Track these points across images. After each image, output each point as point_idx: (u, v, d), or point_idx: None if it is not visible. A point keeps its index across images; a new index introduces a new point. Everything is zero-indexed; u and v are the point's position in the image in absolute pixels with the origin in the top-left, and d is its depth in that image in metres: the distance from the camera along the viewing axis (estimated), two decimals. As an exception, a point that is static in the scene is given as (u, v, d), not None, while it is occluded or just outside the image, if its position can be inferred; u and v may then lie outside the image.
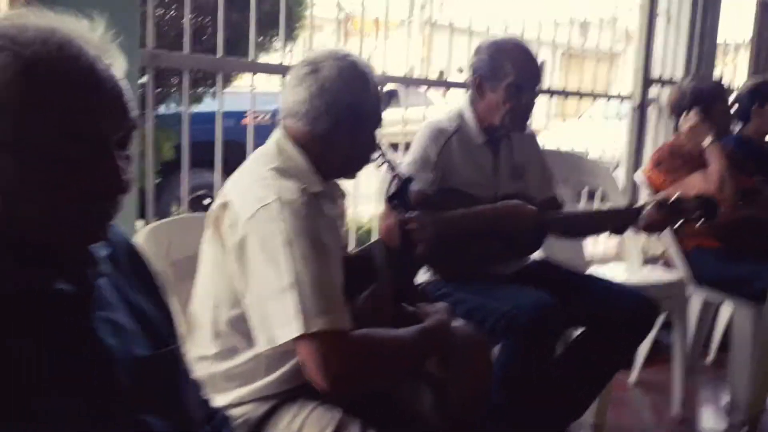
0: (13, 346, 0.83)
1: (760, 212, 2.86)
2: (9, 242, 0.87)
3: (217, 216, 1.40)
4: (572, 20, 3.54)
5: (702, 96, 2.91)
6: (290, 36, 4.18)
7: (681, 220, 2.15)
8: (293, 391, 1.41)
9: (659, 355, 3.29)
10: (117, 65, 0.91)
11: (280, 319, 1.27)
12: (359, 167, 1.59)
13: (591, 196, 3.67)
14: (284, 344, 1.28)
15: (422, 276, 2.27)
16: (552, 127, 3.79)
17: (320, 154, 1.47)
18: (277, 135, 1.50)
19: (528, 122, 2.35)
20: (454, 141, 2.22)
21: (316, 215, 1.37)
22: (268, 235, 1.31)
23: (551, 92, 3.43)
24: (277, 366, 1.41)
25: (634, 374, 3.15)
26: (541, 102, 3.32)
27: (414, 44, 2.87)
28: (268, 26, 4.14)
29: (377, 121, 1.54)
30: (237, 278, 1.35)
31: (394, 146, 2.66)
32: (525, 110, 2.25)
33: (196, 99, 4.26)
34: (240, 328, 1.40)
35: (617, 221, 2.18)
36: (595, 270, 2.86)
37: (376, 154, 1.81)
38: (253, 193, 1.37)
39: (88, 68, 0.86)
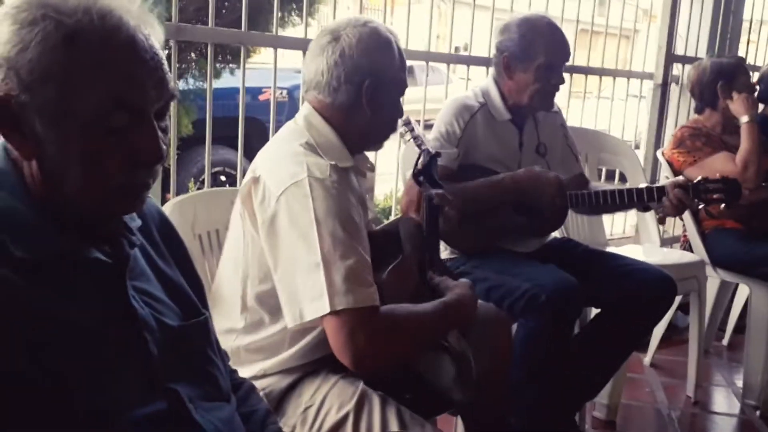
0: (50, 310, 0.84)
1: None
2: (50, 208, 0.88)
3: (248, 191, 1.41)
4: None
5: (723, 71, 2.89)
6: (310, 11, 4.16)
7: (703, 203, 2.13)
8: (316, 363, 1.44)
9: (674, 336, 3.30)
10: (155, 35, 0.91)
11: (309, 295, 1.28)
12: (385, 136, 1.58)
13: (611, 175, 3.65)
14: (311, 320, 1.29)
15: (443, 253, 2.27)
16: (571, 105, 3.76)
17: (345, 125, 1.47)
18: (306, 109, 1.50)
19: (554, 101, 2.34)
20: (478, 117, 2.22)
21: (347, 192, 1.37)
22: (299, 212, 1.31)
23: (573, 70, 3.39)
24: (300, 338, 1.43)
25: (649, 355, 3.15)
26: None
27: (433, 20, 2.83)
28: (287, 1, 4.15)
29: (401, 87, 1.53)
30: (267, 254, 1.36)
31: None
32: (553, 90, 2.24)
33: (216, 74, 4.26)
34: (267, 302, 1.41)
35: (640, 200, 2.16)
36: (612, 250, 2.85)
37: (404, 129, 1.82)
38: (285, 169, 1.37)
39: (129, 38, 0.86)
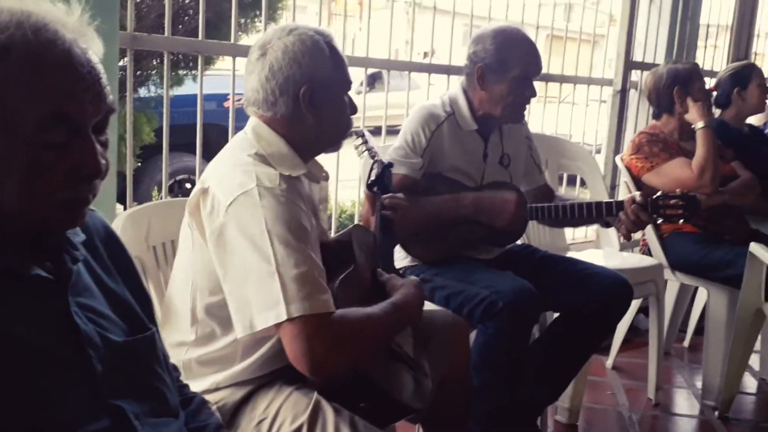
0: None
1: (735, 198, 2.89)
2: None
3: (197, 202, 1.40)
4: (556, 2, 3.52)
5: (679, 77, 2.93)
6: (272, 17, 4.15)
7: (662, 219, 2.13)
8: (270, 376, 1.43)
9: (636, 339, 3.34)
10: (94, 49, 0.90)
11: (261, 305, 1.27)
12: (339, 136, 1.57)
13: (572, 180, 3.70)
14: (262, 330, 1.28)
15: (403, 261, 2.28)
16: (534, 111, 3.79)
17: (293, 134, 1.46)
18: (253, 121, 1.49)
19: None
20: (445, 127, 2.22)
21: (297, 200, 1.37)
22: (249, 222, 1.31)
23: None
24: (253, 351, 1.42)
25: (611, 358, 3.19)
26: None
27: (398, 26, 2.84)
28: (249, 7, 4.13)
29: (342, 85, 1.52)
30: (216, 265, 1.35)
31: (377, 130, 2.65)
32: (526, 102, 2.26)
33: (177, 82, 4.23)
34: (218, 314, 1.40)
35: (599, 215, 2.18)
36: (572, 255, 2.88)
37: (358, 141, 1.82)
38: (233, 179, 1.36)
39: (64, 52, 0.86)
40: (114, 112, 0.93)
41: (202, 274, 1.41)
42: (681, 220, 2.09)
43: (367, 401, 1.43)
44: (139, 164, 4.16)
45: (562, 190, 3.45)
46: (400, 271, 2.24)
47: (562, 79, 3.56)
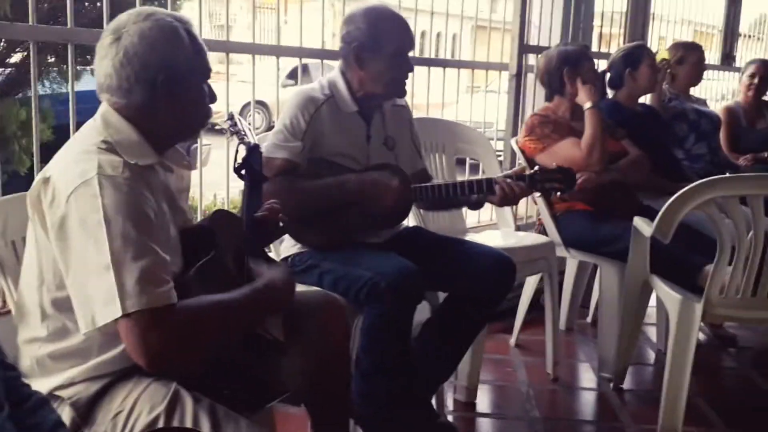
0: None
1: (625, 175, 2.98)
2: None
3: (38, 193, 1.34)
4: None
5: (569, 58, 3.00)
6: (174, 7, 4.07)
7: (540, 191, 2.21)
8: (128, 369, 1.38)
9: (541, 317, 3.41)
10: None
11: (101, 299, 1.23)
12: (197, 125, 1.53)
13: (475, 168, 3.75)
14: (108, 326, 1.25)
15: (292, 248, 2.27)
16: (462, 100, 3.86)
17: (147, 122, 1.42)
18: (103, 107, 1.44)
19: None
20: (324, 110, 2.21)
21: (141, 189, 1.33)
22: (88, 213, 1.26)
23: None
24: (111, 345, 1.37)
25: (514, 336, 3.25)
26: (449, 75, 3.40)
27: (326, 18, 2.85)
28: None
29: (201, 73, 1.48)
30: (58, 258, 1.30)
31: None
32: (405, 77, 2.27)
33: (77, 76, 4.09)
34: (67, 309, 1.34)
35: (476, 191, 2.22)
36: (470, 237, 2.92)
37: (227, 123, 1.79)
38: (75, 167, 1.31)
39: None
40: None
41: (47, 269, 1.35)
42: (558, 192, 2.15)
43: (229, 388, 1.42)
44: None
45: (466, 176, 3.49)
46: (288, 259, 2.25)
47: (458, 64, 3.60)
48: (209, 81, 1.53)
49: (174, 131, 1.49)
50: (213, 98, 1.52)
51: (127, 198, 1.28)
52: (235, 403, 1.40)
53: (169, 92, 1.41)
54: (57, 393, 1.37)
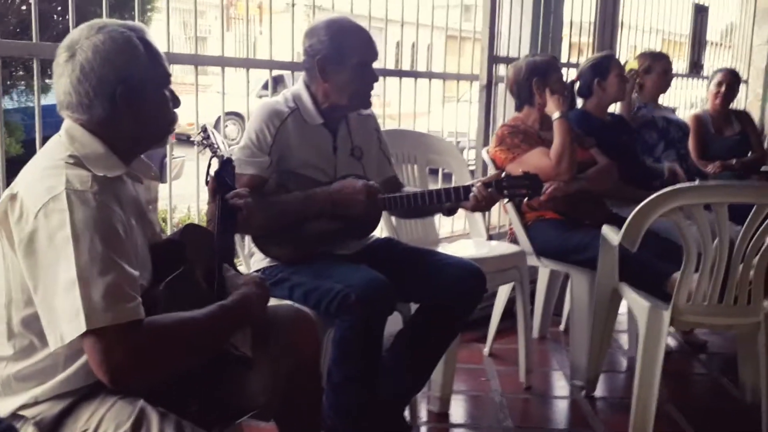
0: None
1: (594, 183, 3.01)
2: None
3: (5, 209, 1.33)
4: (449, 4, 3.62)
5: (537, 68, 3.03)
6: (142, 20, 4.05)
7: (507, 198, 2.23)
8: (93, 387, 1.37)
9: (515, 326, 3.43)
10: None
11: (67, 315, 1.23)
12: (162, 132, 1.53)
13: (448, 176, 3.77)
14: (75, 342, 1.24)
15: (261, 262, 2.26)
16: (437, 110, 3.89)
17: (111, 135, 1.42)
18: (67, 123, 1.44)
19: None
20: (289, 122, 2.21)
21: (111, 202, 1.32)
22: (57, 228, 1.25)
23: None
24: (74, 360, 1.36)
25: (487, 345, 3.27)
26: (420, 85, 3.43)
27: (298, 29, 2.88)
28: (116, 9, 4.00)
29: (161, 81, 1.48)
30: (26, 275, 1.29)
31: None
32: (369, 88, 2.28)
33: (43, 89, 4.06)
34: (35, 326, 1.33)
35: (447, 200, 2.23)
36: (443, 247, 2.93)
37: (199, 137, 1.79)
38: (43, 183, 1.31)
39: None
40: None
41: (15, 286, 1.34)
42: (526, 199, 2.19)
43: (197, 404, 1.41)
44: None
45: (438, 185, 3.51)
46: (259, 272, 2.24)
47: (430, 75, 3.62)
48: (173, 88, 1.52)
49: (139, 140, 1.48)
50: (177, 103, 1.52)
51: (96, 213, 1.27)
52: (203, 419, 1.39)
53: (130, 103, 1.41)
54: (21, 413, 1.36)
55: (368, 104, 2.33)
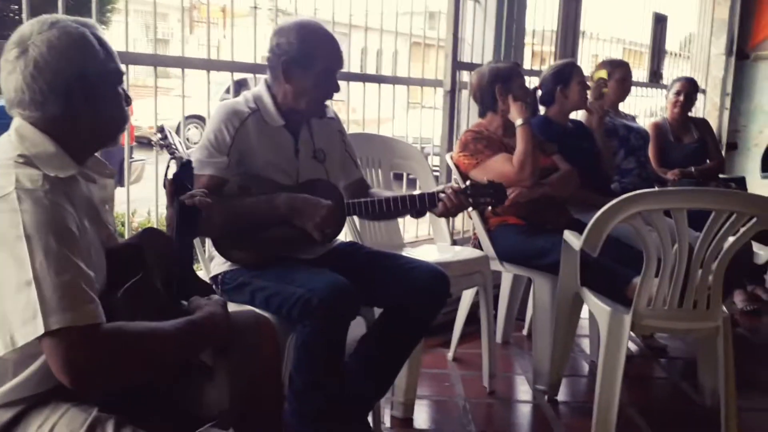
0: None
1: (555, 189, 3.03)
2: None
3: None
4: (413, 11, 3.63)
5: (500, 75, 3.05)
6: (101, 20, 3.99)
7: (472, 206, 2.24)
8: (45, 395, 1.33)
9: (479, 331, 3.43)
10: None
11: (20, 318, 1.18)
12: (115, 130, 1.49)
13: (413, 182, 3.77)
14: (27, 346, 1.20)
15: (222, 266, 2.23)
16: (402, 116, 3.89)
17: (63, 133, 1.38)
18: (17, 122, 1.39)
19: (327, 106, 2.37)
20: (250, 123, 2.18)
21: (63, 202, 1.29)
22: (7, 228, 1.21)
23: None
24: (25, 367, 1.31)
25: (451, 350, 3.27)
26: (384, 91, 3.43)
27: (262, 33, 2.86)
28: (74, 11, 3.94)
29: (115, 77, 1.45)
30: None
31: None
32: (329, 96, 2.27)
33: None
34: None
35: (416, 206, 2.24)
36: (408, 251, 2.93)
37: (157, 137, 1.75)
38: None
39: None
40: None
41: None
42: (490, 207, 2.19)
43: (154, 413, 1.38)
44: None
45: (403, 190, 3.51)
46: (219, 276, 2.21)
47: (395, 80, 3.62)
48: (134, 90, 1.50)
49: (93, 138, 1.45)
50: (129, 100, 1.50)
51: (48, 212, 1.24)
52: (160, 429, 1.36)
53: (86, 99, 1.37)
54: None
55: (323, 113, 2.32)
